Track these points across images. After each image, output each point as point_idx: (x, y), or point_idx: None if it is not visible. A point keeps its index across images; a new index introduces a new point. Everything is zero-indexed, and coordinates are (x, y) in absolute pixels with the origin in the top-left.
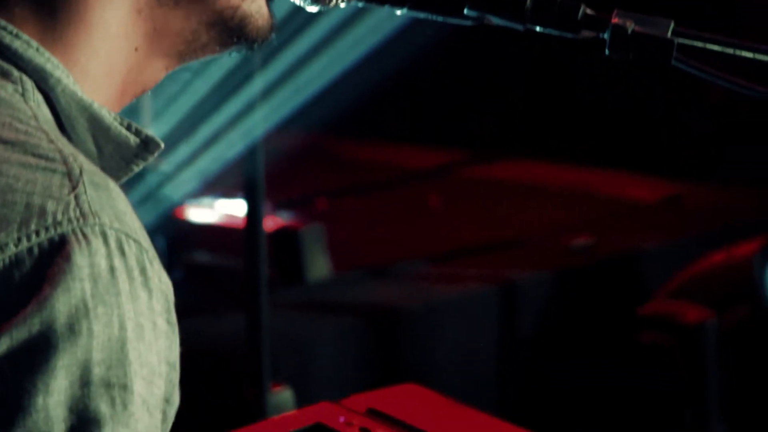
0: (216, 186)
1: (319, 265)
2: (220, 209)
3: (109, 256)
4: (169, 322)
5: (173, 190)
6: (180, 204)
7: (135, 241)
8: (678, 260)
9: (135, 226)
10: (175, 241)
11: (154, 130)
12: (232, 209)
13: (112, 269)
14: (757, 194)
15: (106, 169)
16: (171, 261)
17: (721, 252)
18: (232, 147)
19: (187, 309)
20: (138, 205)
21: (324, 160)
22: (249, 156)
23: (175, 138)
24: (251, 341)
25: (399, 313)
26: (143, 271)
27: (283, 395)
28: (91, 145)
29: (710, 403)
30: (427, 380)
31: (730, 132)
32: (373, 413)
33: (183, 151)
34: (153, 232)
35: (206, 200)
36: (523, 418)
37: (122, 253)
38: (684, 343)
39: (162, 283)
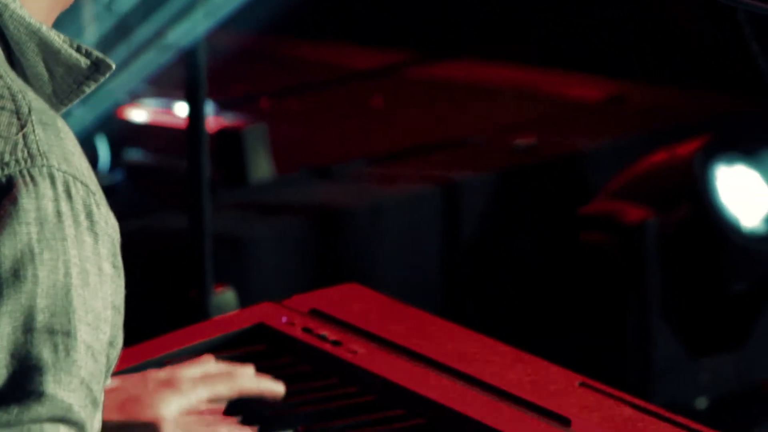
0: (158, 86)
1: (261, 166)
2: (161, 109)
3: (56, 199)
4: (114, 266)
5: (115, 90)
6: (122, 104)
7: (82, 183)
8: (620, 160)
9: (83, 167)
10: (117, 141)
11: (96, 30)
12: (174, 109)
13: (58, 213)
14: (699, 95)
15: (57, 92)
16: (113, 161)
17: (663, 152)
18: (173, 46)
19: (128, 210)
20: (79, 105)
21: (267, 59)
22: (190, 56)
23: (116, 38)
24: (194, 242)
25: (342, 213)
26: (90, 215)
27: (225, 296)
28: (42, 69)
29: (651, 302)
30: (370, 281)
31: (673, 32)
32: (316, 313)
33: (124, 50)
34: (95, 132)
35: (148, 100)
36: (465, 318)
37: (69, 196)
38: (625, 243)
39: (108, 226)
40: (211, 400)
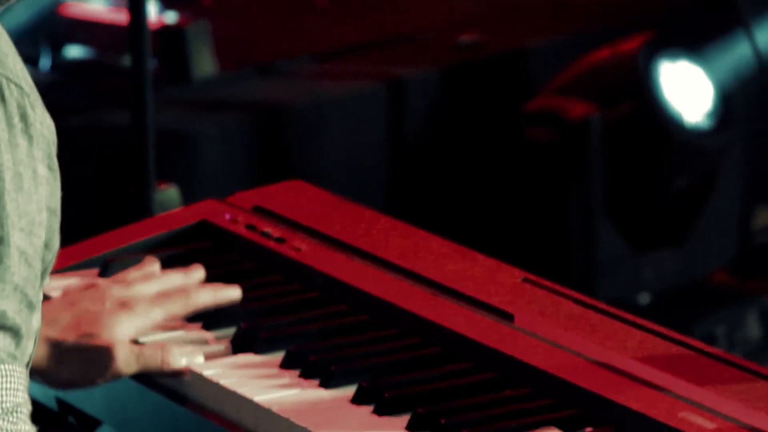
0: None
1: (204, 63)
2: (103, 6)
3: None
4: (50, 168)
5: None
6: (63, 0)
7: (16, 85)
8: (565, 57)
9: (17, 68)
10: (59, 38)
11: None
12: (116, 5)
13: None
14: None
15: None
16: (54, 58)
17: (607, 48)
18: None
19: (70, 107)
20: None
21: None
22: None
23: None
24: (136, 139)
25: (286, 110)
26: (24, 116)
27: (168, 193)
28: None
29: (594, 198)
30: (314, 178)
31: None
32: (259, 210)
33: None
34: (36, 29)
35: None
36: (408, 215)
37: (2, 98)
38: (568, 138)
39: (44, 127)
40: (167, 319)
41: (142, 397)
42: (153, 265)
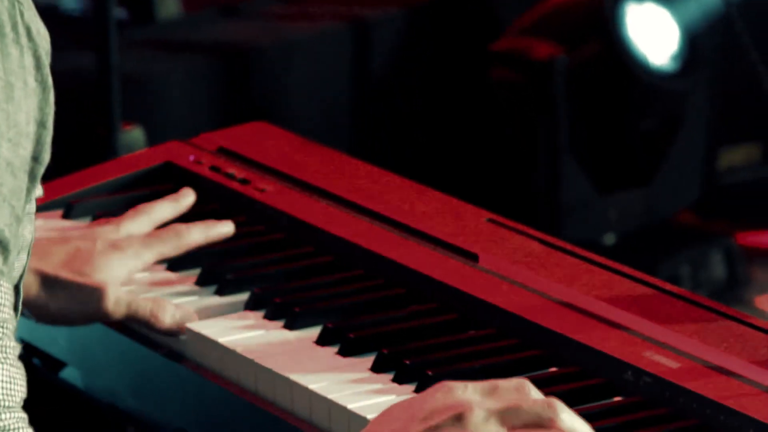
0: None
1: (168, 4)
2: None
3: None
4: (41, 79)
5: None
6: None
7: None
8: None
9: None
10: None
11: None
12: None
13: None
14: None
15: None
16: None
17: None
18: None
19: None
20: None
21: None
22: None
23: None
24: (101, 80)
25: (251, 51)
26: (15, 26)
27: (133, 134)
28: None
29: (560, 139)
30: (279, 119)
31: None
32: (223, 152)
33: None
34: None
35: None
36: (374, 156)
37: None
38: (533, 79)
39: (39, 36)
40: (158, 260)
41: (107, 339)
42: (186, 198)
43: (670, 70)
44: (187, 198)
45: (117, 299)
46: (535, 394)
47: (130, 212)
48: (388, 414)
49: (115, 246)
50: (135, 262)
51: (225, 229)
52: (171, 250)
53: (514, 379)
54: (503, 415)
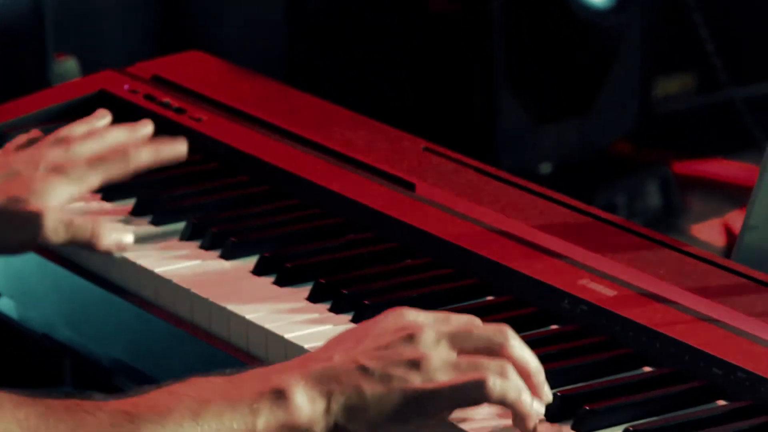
0: None
1: None
2: None
3: None
4: None
5: None
6: None
7: None
8: None
9: None
10: None
11: None
12: None
13: None
14: None
15: None
16: None
17: None
18: None
19: None
20: None
21: None
22: None
23: None
24: (33, 11)
25: None
26: None
27: (67, 65)
28: None
29: (496, 70)
30: (214, 49)
31: None
32: (158, 80)
33: None
34: None
35: None
36: (310, 88)
37: None
38: (471, 10)
39: None
40: (105, 183)
41: (42, 270)
42: (102, 119)
43: (606, 5)
44: (144, 128)
45: (55, 225)
46: (487, 325)
47: (82, 134)
48: (341, 336)
49: (58, 170)
50: (78, 185)
51: (177, 149)
52: (118, 172)
53: (465, 315)
54: (454, 338)
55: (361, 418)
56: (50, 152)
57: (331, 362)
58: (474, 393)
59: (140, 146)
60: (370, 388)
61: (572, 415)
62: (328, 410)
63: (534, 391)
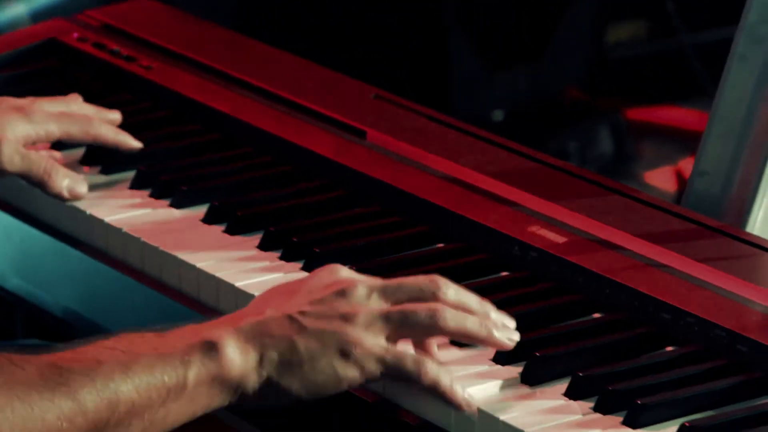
0: None
1: None
2: None
3: None
4: None
5: None
6: None
7: None
8: None
9: None
10: None
11: None
12: None
13: None
14: None
15: None
16: None
17: None
18: None
19: None
20: None
21: None
22: None
23: None
24: None
25: None
26: None
27: (15, 11)
28: None
29: (448, 15)
30: None
31: None
32: (108, 28)
33: None
34: None
35: None
36: (260, 34)
37: None
38: None
39: None
40: (63, 138)
41: None
42: (74, 101)
43: None
44: (114, 114)
45: (11, 154)
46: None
47: (49, 98)
48: (272, 291)
49: (20, 110)
50: (38, 129)
51: (133, 143)
52: (78, 133)
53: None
54: (385, 291)
55: (294, 373)
56: (15, 99)
57: (264, 316)
58: (409, 368)
59: (106, 123)
60: (303, 343)
61: (522, 361)
62: (260, 364)
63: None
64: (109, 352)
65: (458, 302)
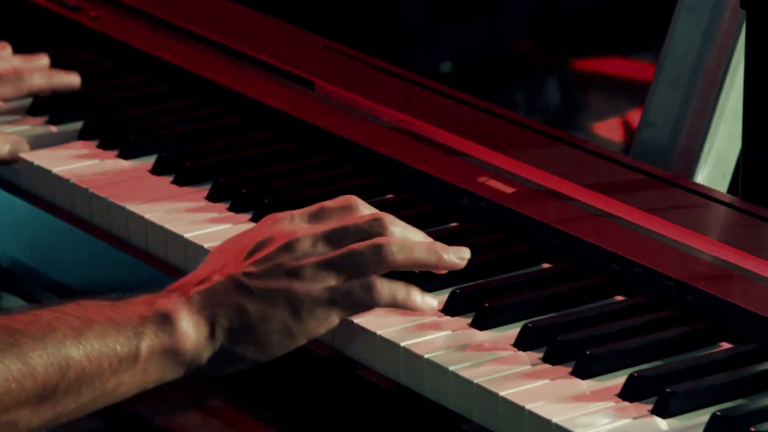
0: None
1: None
2: None
3: None
4: None
5: None
6: None
7: None
8: None
9: None
10: None
11: None
12: None
13: None
14: None
15: None
16: None
17: None
18: None
19: None
20: None
21: None
22: None
23: None
24: None
25: None
26: None
27: None
28: None
29: None
30: None
31: None
32: None
33: None
34: None
35: None
36: None
37: None
38: None
39: None
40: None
41: None
42: (3, 50)
43: None
44: (42, 60)
45: None
46: (365, 208)
47: None
48: (219, 250)
49: None
50: None
51: (71, 80)
52: (11, 92)
53: (340, 198)
54: (330, 238)
55: (248, 338)
56: None
57: (212, 283)
58: (360, 295)
59: (35, 71)
60: (253, 307)
61: (472, 312)
62: (212, 335)
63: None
64: (63, 318)
65: (403, 238)
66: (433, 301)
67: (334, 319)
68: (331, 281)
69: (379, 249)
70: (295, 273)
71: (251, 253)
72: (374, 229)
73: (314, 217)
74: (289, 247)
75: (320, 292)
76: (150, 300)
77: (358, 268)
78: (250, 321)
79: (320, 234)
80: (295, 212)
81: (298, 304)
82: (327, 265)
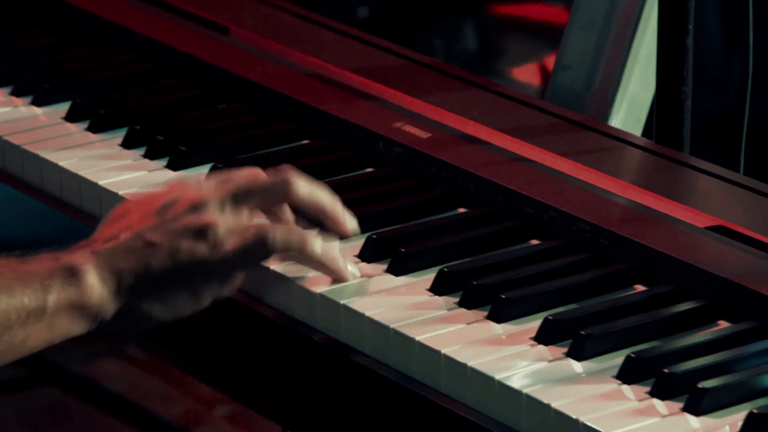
0: None
1: None
2: None
3: None
4: None
5: None
6: None
7: None
8: None
9: None
10: None
11: None
12: None
13: None
14: None
15: None
16: None
17: None
18: None
19: None
20: None
21: None
22: None
23: None
24: None
25: None
26: None
27: None
28: None
29: None
30: None
31: None
32: None
33: None
34: None
35: None
36: None
37: None
38: None
39: None
40: None
41: None
42: None
43: None
44: None
45: None
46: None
47: None
48: (123, 209)
49: None
50: None
51: None
52: None
53: (246, 168)
54: (236, 198)
55: (152, 295)
56: None
57: (119, 240)
58: (258, 252)
59: None
60: (159, 264)
61: (388, 257)
62: (118, 291)
63: (335, 223)
64: None
65: (309, 196)
66: (332, 249)
67: (239, 278)
68: (236, 240)
69: (285, 184)
70: (201, 234)
71: (159, 213)
72: (280, 188)
73: (220, 183)
74: (196, 207)
75: (225, 251)
76: (57, 255)
77: (262, 196)
78: (156, 279)
79: (226, 194)
80: (202, 179)
81: (204, 264)
82: (235, 229)
